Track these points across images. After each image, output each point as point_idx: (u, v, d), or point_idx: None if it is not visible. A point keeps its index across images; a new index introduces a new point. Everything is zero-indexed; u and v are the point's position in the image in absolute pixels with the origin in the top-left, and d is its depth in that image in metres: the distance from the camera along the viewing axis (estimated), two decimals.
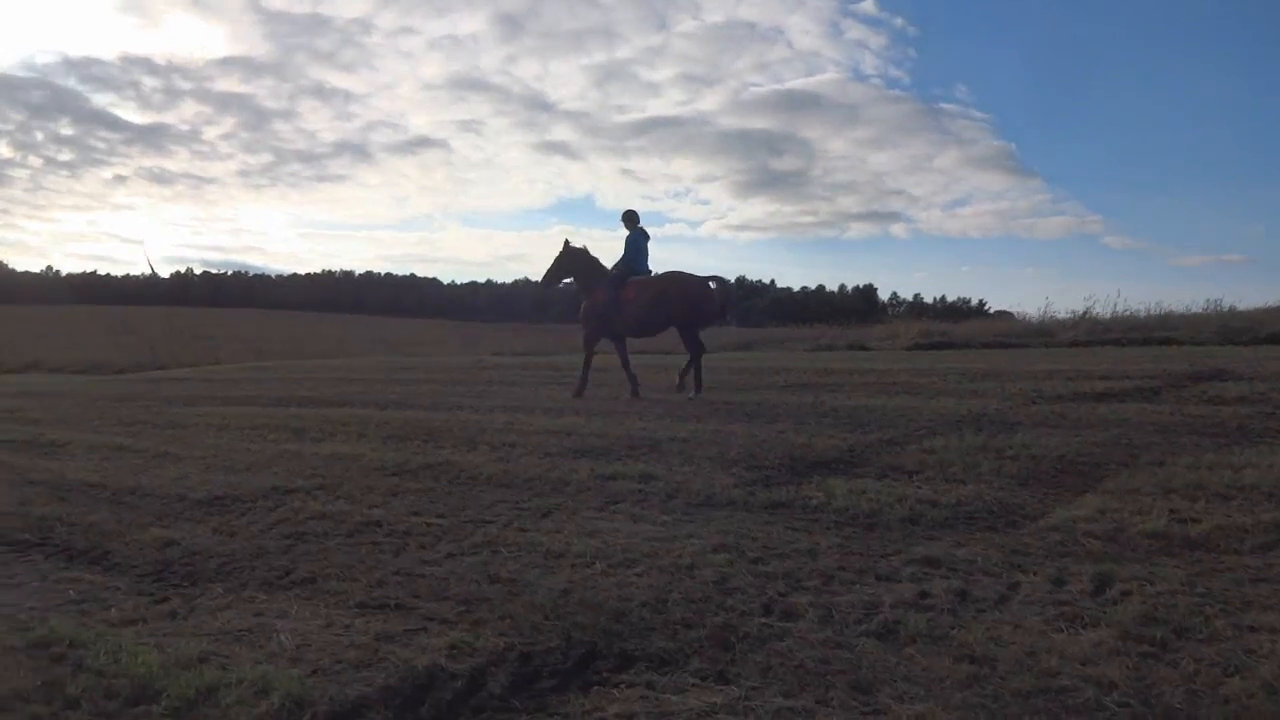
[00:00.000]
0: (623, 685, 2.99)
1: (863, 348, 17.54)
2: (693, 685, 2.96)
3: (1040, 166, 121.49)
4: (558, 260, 11.25)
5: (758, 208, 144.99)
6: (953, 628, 3.30)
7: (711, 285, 10.52)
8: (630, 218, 10.98)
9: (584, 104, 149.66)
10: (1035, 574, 3.82)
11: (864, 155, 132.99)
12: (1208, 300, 17.37)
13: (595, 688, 2.99)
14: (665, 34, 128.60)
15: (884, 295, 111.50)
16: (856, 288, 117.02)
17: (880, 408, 8.67)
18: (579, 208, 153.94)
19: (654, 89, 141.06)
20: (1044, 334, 16.50)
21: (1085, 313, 17.25)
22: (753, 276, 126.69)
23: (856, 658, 3.11)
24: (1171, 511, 4.59)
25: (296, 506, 5.71)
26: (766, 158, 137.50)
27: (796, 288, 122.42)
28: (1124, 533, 4.34)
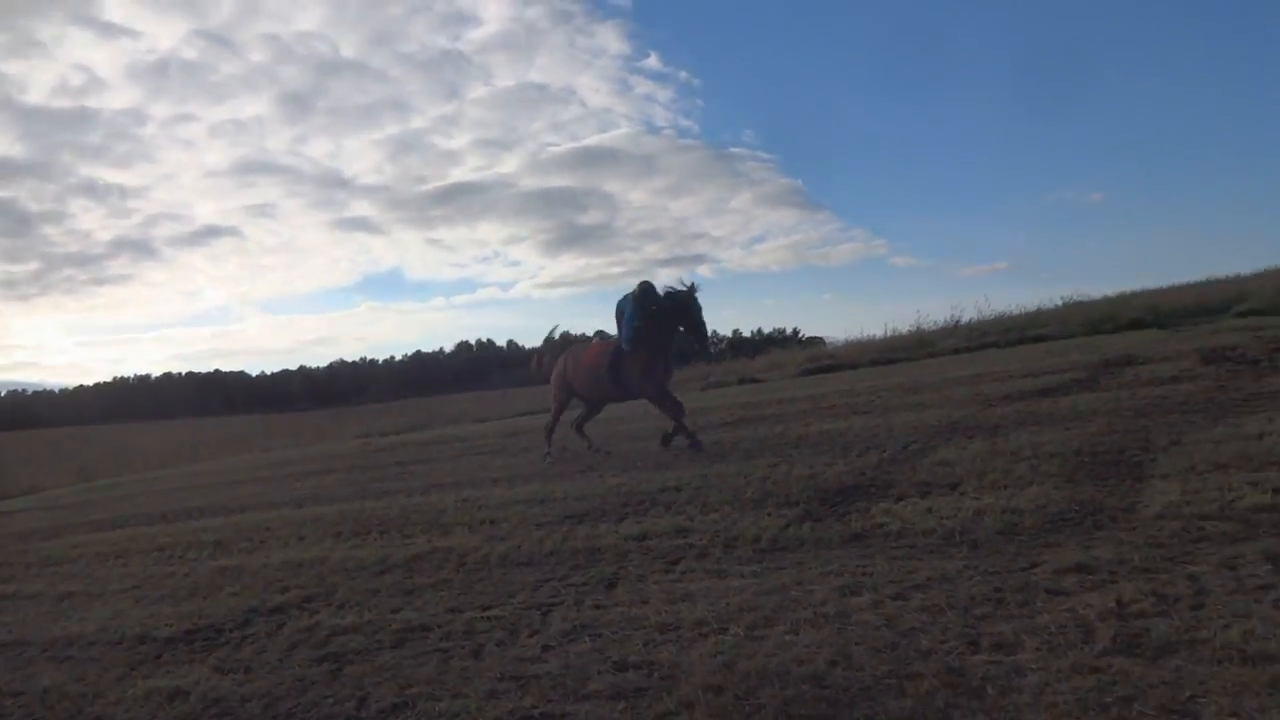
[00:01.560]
0: None
1: (754, 380, 17.64)
2: None
3: (827, 199, 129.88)
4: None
5: (567, 263, 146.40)
6: (1196, 629, 3.07)
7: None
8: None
9: (382, 177, 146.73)
10: (1204, 564, 3.67)
11: (664, 203, 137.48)
12: (1063, 297, 18.79)
13: None
14: (458, 102, 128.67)
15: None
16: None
17: (846, 430, 8.56)
18: (386, 282, 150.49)
19: (452, 156, 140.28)
20: (924, 344, 17.15)
21: (956, 322, 18.14)
22: (576, 331, 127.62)
23: (1126, 677, 2.81)
24: (1253, 484, 4.61)
25: (306, 624, 4.88)
26: (571, 214, 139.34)
27: None
28: (1235, 508, 4.29)
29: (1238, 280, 20.16)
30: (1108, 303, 18.23)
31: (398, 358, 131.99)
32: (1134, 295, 19.79)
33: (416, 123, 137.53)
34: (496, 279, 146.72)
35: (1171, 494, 4.66)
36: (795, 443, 8.34)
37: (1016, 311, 19.13)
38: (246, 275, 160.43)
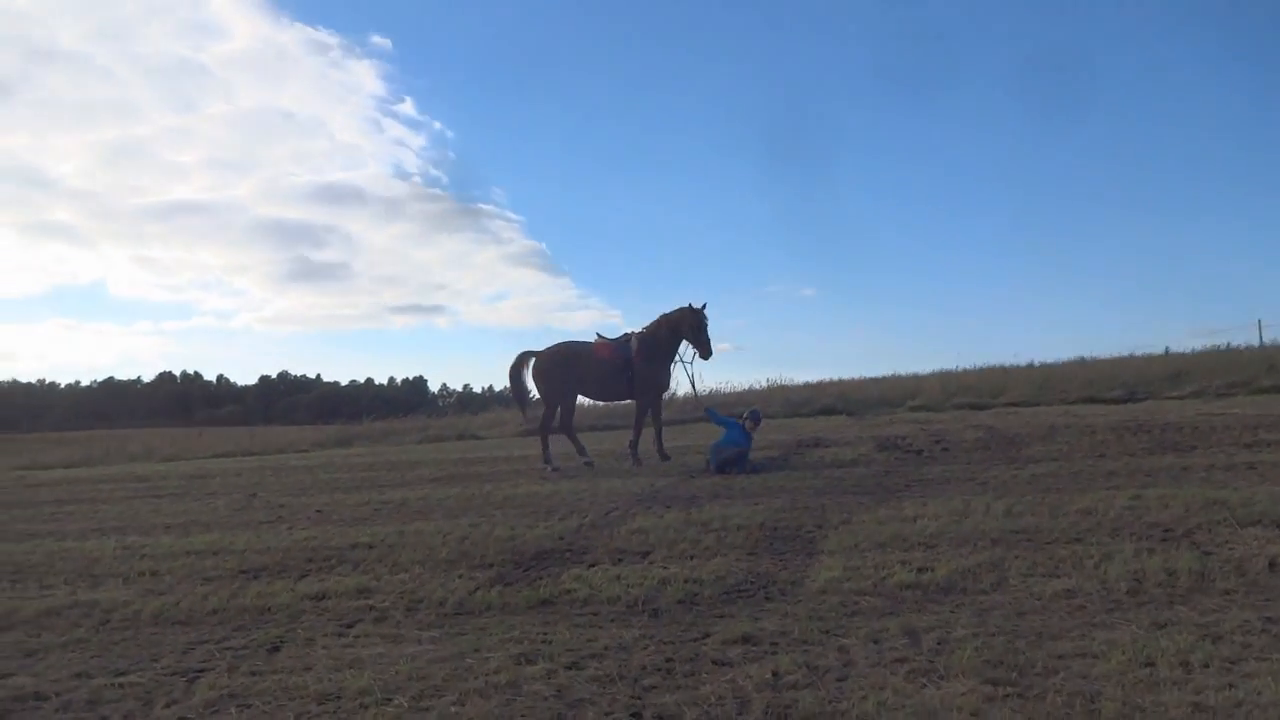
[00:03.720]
0: None
1: (474, 436, 17.36)
2: None
3: (568, 266, 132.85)
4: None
5: (296, 299, 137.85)
6: (838, 700, 3.24)
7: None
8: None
9: (91, 183, 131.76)
10: (854, 636, 3.93)
11: (407, 250, 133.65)
12: (769, 379, 20.21)
13: None
14: (193, 116, 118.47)
15: (434, 386, 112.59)
16: (407, 380, 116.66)
17: (554, 493, 8.56)
18: (85, 297, 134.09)
19: (179, 171, 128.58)
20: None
21: (672, 395, 18.90)
22: (296, 371, 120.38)
23: None
24: (903, 563, 5.05)
25: None
26: (306, 249, 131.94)
27: (345, 381, 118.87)
28: (885, 585, 4.67)
29: (915, 378, 22.72)
30: (808, 388, 19.85)
31: (84, 383, 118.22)
32: (830, 384, 21.76)
33: (142, 130, 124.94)
34: (215, 308, 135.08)
35: (835, 570, 5.00)
36: (501, 503, 8.21)
37: (728, 390, 20.42)
38: None
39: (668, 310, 10.88)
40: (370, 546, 6.59)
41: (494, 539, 6.52)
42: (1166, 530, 5.49)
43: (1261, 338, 23.88)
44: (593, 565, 5.59)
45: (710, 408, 11.22)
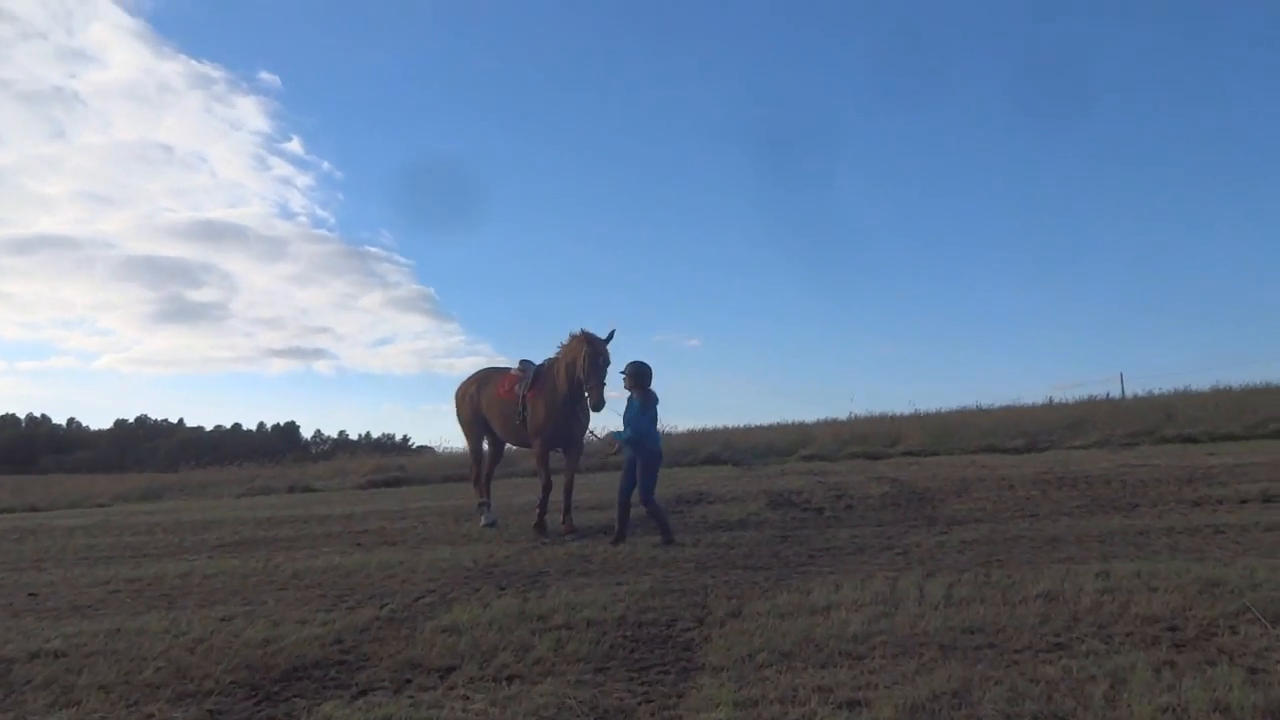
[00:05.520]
0: None
1: (309, 489, 14.99)
2: None
3: (457, 310, 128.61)
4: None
5: (167, 340, 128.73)
6: None
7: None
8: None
9: None
10: None
11: (289, 291, 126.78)
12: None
13: None
14: (63, 144, 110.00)
15: (307, 433, 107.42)
16: (278, 425, 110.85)
17: (359, 566, 6.59)
18: None
19: (45, 203, 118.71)
20: (507, 463, 15.73)
21: None
22: (157, 415, 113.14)
23: None
24: (822, 691, 3.35)
25: None
26: (180, 288, 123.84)
27: (210, 426, 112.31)
28: None
29: (803, 426, 21.46)
30: (690, 436, 18.31)
31: None
32: (714, 431, 20.26)
33: (5, 158, 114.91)
34: (77, 348, 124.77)
35: (722, 703, 3.26)
36: (284, 582, 6.21)
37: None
38: None
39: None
40: (59, 656, 4.53)
41: (240, 643, 4.53)
42: (1173, 629, 3.97)
43: (1124, 390, 23.74)
44: (363, 693, 3.70)
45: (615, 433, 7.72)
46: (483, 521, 8.64)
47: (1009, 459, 13.32)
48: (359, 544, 7.84)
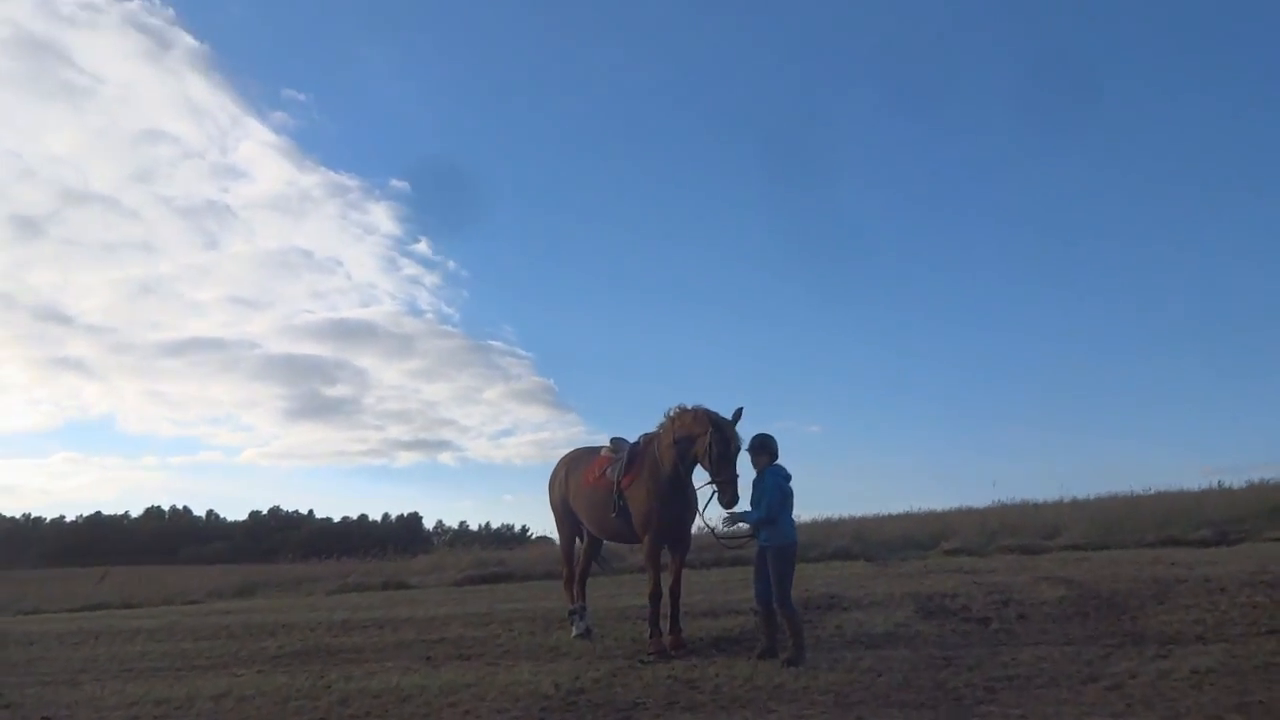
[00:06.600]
0: None
1: (403, 585, 14.03)
2: None
3: (575, 402, 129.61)
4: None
5: (304, 435, 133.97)
6: None
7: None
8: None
9: (109, 319, 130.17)
10: None
11: (417, 385, 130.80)
12: None
13: None
14: (215, 253, 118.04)
15: (429, 524, 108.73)
16: (401, 516, 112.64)
17: (419, 690, 5.43)
18: (92, 432, 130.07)
19: (197, 308, 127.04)
20: (614, 557, 14.49)
21: None
22: (288, 507, 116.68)
23: None
24: None
25: None
26: (317, 384, 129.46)
27: (337, 518, 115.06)
28: None
29: (939, 515, 19.39)
30: (815, 527, 16.62)
31: (69, 518, 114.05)
32: (841, 522, 18.43)
33: (164, 267, 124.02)
34: (223, 443, 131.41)
35: None
36: (326, 711, 5.08)
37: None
38: None
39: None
40: None
41: None
42: None
43: None
44: None
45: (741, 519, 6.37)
46: (574, 632, 7.31)
47: (1201, 554, 11.23)
48: (428, 657, 6.68)
